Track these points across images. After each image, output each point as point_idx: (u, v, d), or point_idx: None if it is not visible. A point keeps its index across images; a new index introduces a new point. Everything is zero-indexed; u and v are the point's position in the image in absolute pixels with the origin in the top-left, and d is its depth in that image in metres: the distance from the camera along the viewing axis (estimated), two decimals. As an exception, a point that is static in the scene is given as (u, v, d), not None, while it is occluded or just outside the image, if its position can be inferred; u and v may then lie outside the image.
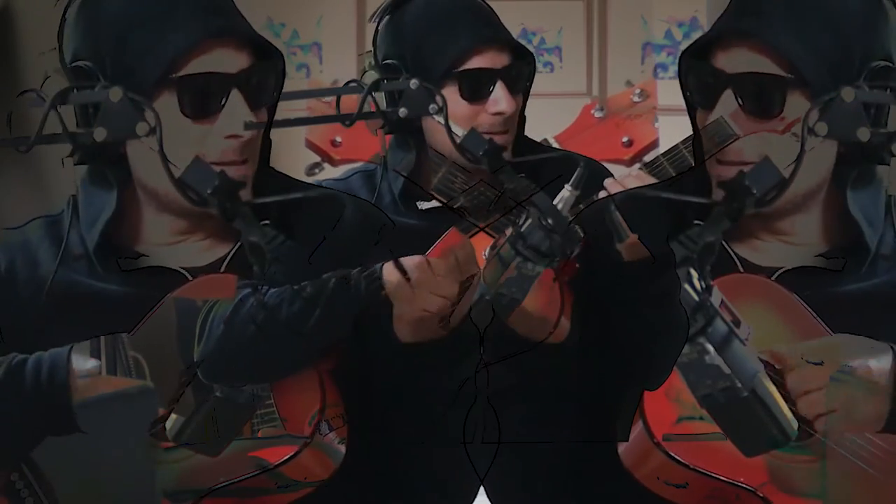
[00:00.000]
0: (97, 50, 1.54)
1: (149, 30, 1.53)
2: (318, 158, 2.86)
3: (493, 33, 2.14)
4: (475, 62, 2.12)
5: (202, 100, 1.54)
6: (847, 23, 1.53)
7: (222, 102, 1.54)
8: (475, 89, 2.12)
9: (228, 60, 1.55)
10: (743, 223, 1.57)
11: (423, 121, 2.13)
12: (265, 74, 1.59)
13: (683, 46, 1.68)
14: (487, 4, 2.23)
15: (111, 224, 1.58)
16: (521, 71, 2.18)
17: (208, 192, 1.47)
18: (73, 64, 1.54)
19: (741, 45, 1.55)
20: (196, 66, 1.53)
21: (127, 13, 1.54)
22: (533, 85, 2.24)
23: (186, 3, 1.54)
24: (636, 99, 2.66)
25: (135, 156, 1.56)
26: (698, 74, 1.60)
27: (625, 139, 2.62)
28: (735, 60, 1.55)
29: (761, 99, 1.54)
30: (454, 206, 1.99)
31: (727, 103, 1.55)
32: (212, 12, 1.55)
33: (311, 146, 2.84)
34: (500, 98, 2.14)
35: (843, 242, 1.60)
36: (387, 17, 2.18)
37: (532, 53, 2.22)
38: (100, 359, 1.55)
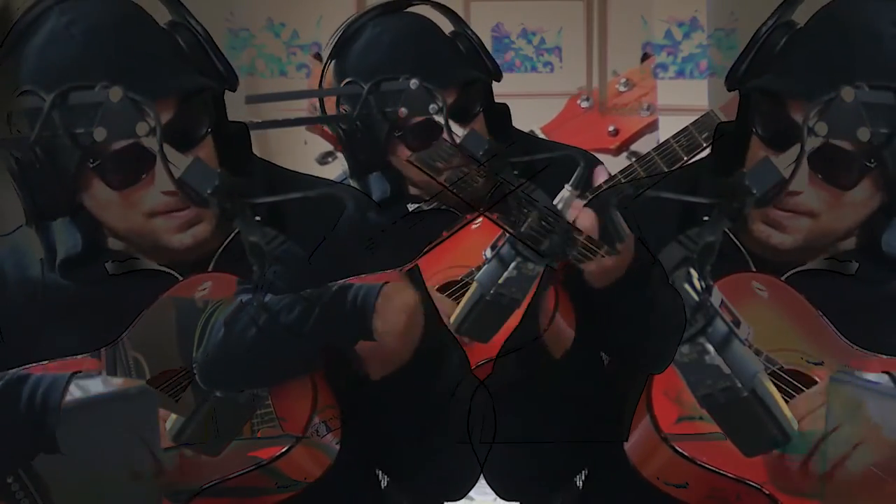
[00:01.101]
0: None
1: (68, 115, 1.48)
2: (330, 147, 2.84)
3: (434, 82, 2.03)
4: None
5: (128, 172, 1.51)
6: None
7: (153, 163, 1.50)
8: (424, 139, 2.05)
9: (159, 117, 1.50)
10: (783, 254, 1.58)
11: (392, 157, 2.08)
12: (193, 113, 1.55)
13: (684, 46, 1.67)
14: (434, 29, 2.12)
15: (74, 258, 1.59)
16: (470, 98, 2.10)
17: (208, 192, 1.47)
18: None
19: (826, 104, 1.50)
20: (113, 146, 1.49)
21: (38, 85, 1.50)
22: (533, 85, 2.21)
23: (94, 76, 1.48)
24: (622, 88, 2.66)
25: (96, 206, 1.55)
26: (771, 117, 1.56)
27: (611, 128, 2.62)
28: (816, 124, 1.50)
29: (836, 172, 1.51)
30: (451, 203, 1.98)
31: (795, 154, 1.50)
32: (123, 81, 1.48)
33: (324, 135, 2.82)
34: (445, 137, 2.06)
35: (866, 257, 1.61)
36: (332, 62, 2.12)
37: (479, 76, 2.12)
38: (99, 359, 1.55)
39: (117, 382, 1.54)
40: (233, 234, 1.63)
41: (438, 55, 2.09)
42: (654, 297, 1.47)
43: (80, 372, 1.54)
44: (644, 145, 2.57)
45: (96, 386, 1.54)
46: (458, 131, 1.93)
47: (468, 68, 2.12)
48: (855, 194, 1.53)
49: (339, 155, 2.80)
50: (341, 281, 1.48)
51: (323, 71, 2.12)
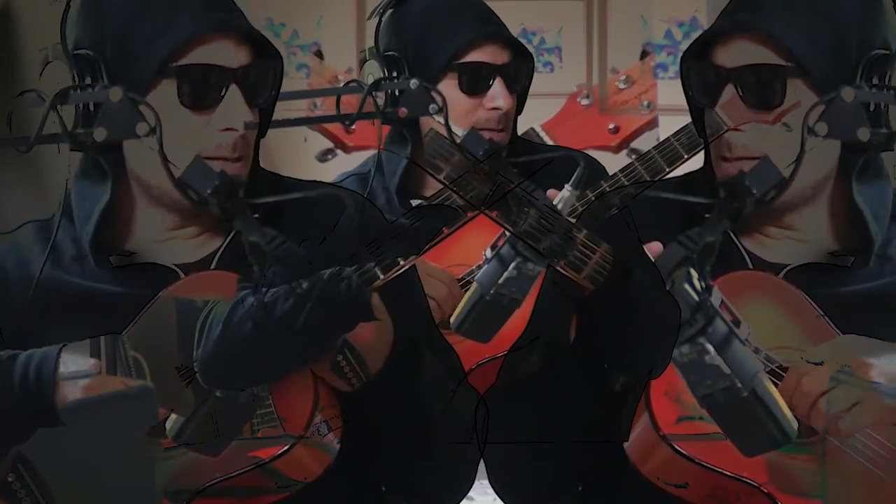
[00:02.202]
0: (100, 39, 1.55)
1: (151, 21, 1.54)
2: (330, 144, 2.85)
3: (495, 30, 2.18)
4: (475, 56, 2.14)
5: (201, 90, 1.56)
6: (844, 12, 1.56)
7: (221, 95, 1.56)
8: (474, 82, 2.14)
9: (228, 55, 1.57)
10: (750, 218, 1.58)
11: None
12: (264, 73, 1.61)
13: (684, 46, 1.69)
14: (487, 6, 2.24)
15: (106, 215, 1.59)
16: (519, 70, 2.20)
17: (208, 192, 1.47)
18: (76, 52, 1.56)
19: (740, 39, 1.57)
20: (195, 56, 1.55)
21: (130, 4, 1.56)
22: (533, 85, 2.25)
23: None
24: (621, 86, 2.66)
25: (129, 147, 1.57)
26: (699, 73, 1.62)
27: (611, 126, 2.62)
28: (734, 54, 1.58)
29: (761, 89, 1.56)
30: (452, 200, 1.99)
31: (727, 98, 1.57)
32: (213, 8, 1.57)
33: (324, 132, 2.83)
34: (497, 94, 2.15)
35: (849, 237, 1.62)
36: (390, 11, 2.19)
37: (531, 54, 2.23)
38: (99, 358, 1.55)
39: (117, 382, 1.55)
40: (232, 234, 1.63)
41: (496, 15, 2.22)
42: (639, 303, 1.47)
43: (67, 345, 1.54)
44: (644, 143, 2.57)
45: (84, 359, 1.54)
46: (458, 131, 1.94)
47: (517, 39, 2.24)
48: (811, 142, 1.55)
49: (340, 152, 2.82)
50: (331, 269, 1.49)
51: (378, 25, 2.22)
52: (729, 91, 1.58)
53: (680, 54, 1.66)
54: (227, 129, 1.56)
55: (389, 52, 2.18)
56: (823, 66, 1.54)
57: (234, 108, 1.56)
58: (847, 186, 1.60)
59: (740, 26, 1.57)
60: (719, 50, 1.60)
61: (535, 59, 2.30)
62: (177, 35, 1.54)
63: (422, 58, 2.15)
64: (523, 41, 2.36)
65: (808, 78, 1.55)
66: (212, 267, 1.62)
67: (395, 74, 2.17)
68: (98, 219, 1.59)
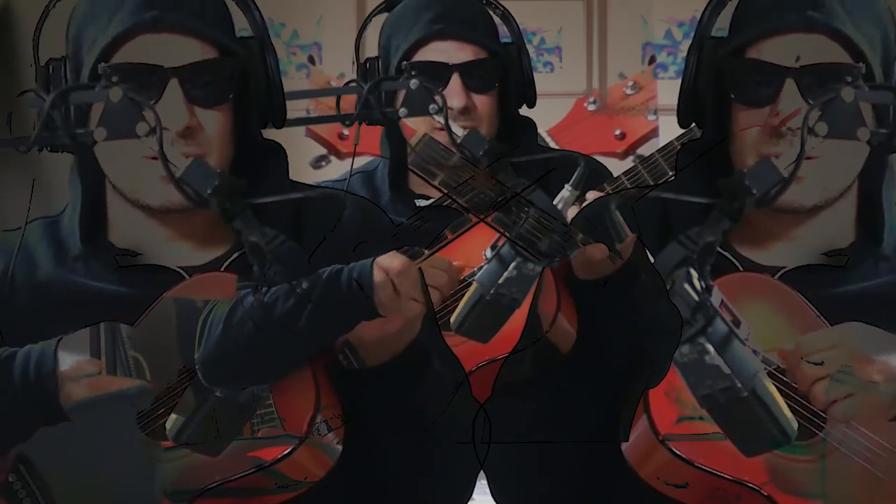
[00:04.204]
0: (66, 46, 1.58)
1: (95, 24, 1.55)
2: (324, 151, 2.86)
3: (447, 27, 2.12)
4: (425, 54, 2.12)
5: (130, 88, 1.52)
6: (883, 14, 1.59)
7: (157, 92, 1.54)
8: (426, 81, 2.10)
9: (174, 52, 1.55)
10: (772, 222, 1.59)
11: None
12: (219, 71, 1.58)
13: (684, 46, 1.68)
14: (482, 6, 2.21)
15: (87, 214, 1.59)
16: (487, 69, 2.16)
17: (208, 192, 1.47)
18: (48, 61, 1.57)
19: (800, 35, 1.57)
20: (125, 55, 1.54)
21: (86, 9, 1.58)
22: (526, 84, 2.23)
23: None
24: (629, 91, 2.66)
25: (100, 148, 1.56)
26: (749, 72, 1.61)
27: (617, 132, 2.62)
28: (791, 50, 1.57)
29: (830, 87, 1.54)
30: (454, 204, 1.99)
31: (790, 95, 1.56)
32: (157, 5, 1.55)
33: (318, 139, 2.84)
34: (451, 92, 2.13)
35: (857, 237, 1.62)
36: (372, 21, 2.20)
37: (498, 52, 2.19)
38: (99, 358, 1.55)
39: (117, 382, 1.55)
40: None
41: (468, 9, 2.18)
42: (640, 307, 1.48)
43: (63, 337, 1.54)
44: (651, 149, 2.57)
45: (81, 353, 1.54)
46: (459, 131, 1.94)
47: (493, 39, 2.18)
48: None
49: (333, 159, 2.82)
50: (330, 267, 1.48)
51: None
52: (789, 87, 1.57)
53: (680, 54, 1.65)
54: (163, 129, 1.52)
55: (365, 59, 2.19)
56: (877, 67, 1.57)
57: (171, 105, 1.54)
58: (867, 187, 1.61)
59: (811, 23, 1.56)
60: (764, 45, 1.59)
61: (535, 59, 2.28)
62: (107, 35, 1.53)
63: (386, 62, 2.16)
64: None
65: (870, 79, 1.56)
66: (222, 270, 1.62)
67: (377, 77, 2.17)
68: (80, 217, 1.60)
